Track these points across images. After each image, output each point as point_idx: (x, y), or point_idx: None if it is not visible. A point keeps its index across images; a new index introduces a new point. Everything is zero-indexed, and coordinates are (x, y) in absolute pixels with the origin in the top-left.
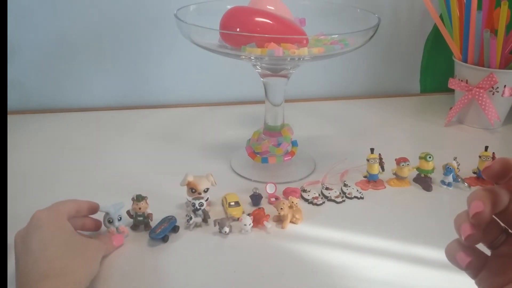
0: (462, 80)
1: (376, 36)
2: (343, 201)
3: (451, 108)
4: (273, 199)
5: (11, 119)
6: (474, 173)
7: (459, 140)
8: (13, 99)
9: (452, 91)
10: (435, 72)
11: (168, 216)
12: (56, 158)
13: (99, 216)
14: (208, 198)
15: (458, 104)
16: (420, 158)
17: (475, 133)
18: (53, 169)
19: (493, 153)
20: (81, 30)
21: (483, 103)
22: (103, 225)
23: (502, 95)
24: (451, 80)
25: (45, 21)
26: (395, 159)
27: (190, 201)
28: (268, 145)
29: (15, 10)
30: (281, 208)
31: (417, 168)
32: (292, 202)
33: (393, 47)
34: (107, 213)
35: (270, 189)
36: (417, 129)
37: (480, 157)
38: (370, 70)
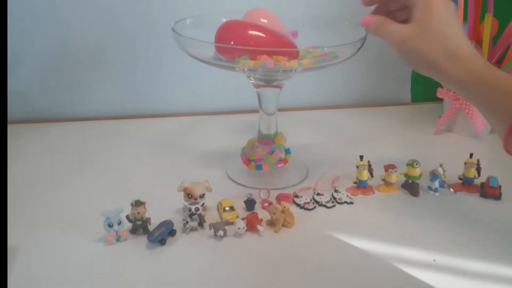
0: (450, 90)
1: (367, 46)
2: (334, 206)
3: (440, 116)
4: (266, 204)
5: (13, 128)
6: (460, 179)
7: (447, 148)
8: (16, 108)
9: (441, 100)
10: (425, 81)
11: (166, 221)
12: (58, 166)
13: (99, 220)
14: (204, 203)
15: (446, 113)
16: (408, 165)
17: (463, 141)
18: (56, 176)
19: (478, 160)
20: (82, 42)
21: (470, 112)
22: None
23: None
24: (439, 89)
25: (48, 32)
26: (384, 166)
27: (186, 206)
28: (262, 152)
29: (18, 21)
30: (274, 213)
31: (405, 175)
32: (284, 207)
33: (384, 58)
34: (107, 218)
35: (263, 194)
36: (407, 137)
37: (465, 163)
38: (362, 80)
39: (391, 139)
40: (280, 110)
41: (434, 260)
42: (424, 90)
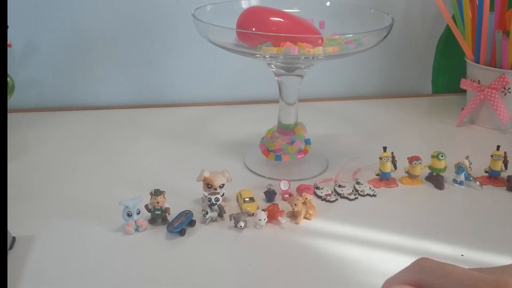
0: (474, 81)
1: (389, 36)
2: (356, 198)
3: (463, 108)
4: (286, 196)
5: (28, 117)
6: (486, 172)
7: (471, 140)
8: (31, 97)
9: (464, 91)
10: (447, 72)
11: (185, 211)
12: (74, 155)
13: (118, 209)
14: (224, 193)
15: (470, 105)
16: (433, 156)
17: (487, 133)
18: (71, 165)
19: (505, 152)
20: (97, 30)
21: (495, 103)
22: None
23: None
24: (463, 80)
25: (63, 20)
26: (408, 158)
27: (206, 196)
28: (282, 143)
29: (33, 9)
30: (295, 204)
31: (429, 167)
32: (306, 198)
33: (406, 48)
34: (126, 207)
35: (284, 185)
36: (429, 129)
37: (492, 156)
38: (382, 70)
39: (412, 131)
40: (300, 100)
41: (462, 255)
42: (445, 81)
